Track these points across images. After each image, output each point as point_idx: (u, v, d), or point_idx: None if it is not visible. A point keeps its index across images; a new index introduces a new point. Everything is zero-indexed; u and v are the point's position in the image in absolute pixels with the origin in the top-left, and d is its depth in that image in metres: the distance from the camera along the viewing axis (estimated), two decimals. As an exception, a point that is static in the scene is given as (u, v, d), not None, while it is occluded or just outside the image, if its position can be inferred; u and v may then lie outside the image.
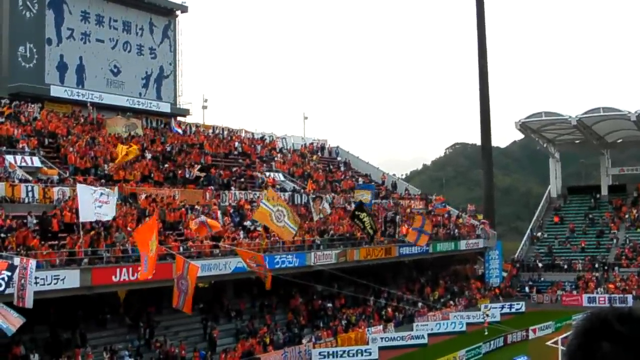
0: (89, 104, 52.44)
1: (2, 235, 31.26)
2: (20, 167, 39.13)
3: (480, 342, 45.29)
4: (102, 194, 32.82)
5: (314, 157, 69.93)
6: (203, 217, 39.56)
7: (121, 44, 57.68)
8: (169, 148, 51.88)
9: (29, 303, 27.01)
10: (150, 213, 39.76)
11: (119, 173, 43.50)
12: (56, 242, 33.51)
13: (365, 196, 55.35)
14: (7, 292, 26.81)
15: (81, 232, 33.09)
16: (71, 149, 43.62)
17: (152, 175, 46.18)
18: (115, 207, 33.90)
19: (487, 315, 52.43)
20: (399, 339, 47.85)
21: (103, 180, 41.48)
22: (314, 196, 53.03)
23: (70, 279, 31.13)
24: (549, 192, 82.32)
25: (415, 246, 54.75)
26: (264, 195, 39.18)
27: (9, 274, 26.41)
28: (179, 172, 48.53)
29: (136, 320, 38.92)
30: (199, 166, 50.54)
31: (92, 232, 34.14)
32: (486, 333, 49.40)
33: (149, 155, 48.77)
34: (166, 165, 48.50)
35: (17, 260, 27.50)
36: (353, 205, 57.02)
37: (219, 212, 44.31)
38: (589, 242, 71.49)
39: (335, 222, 52.72)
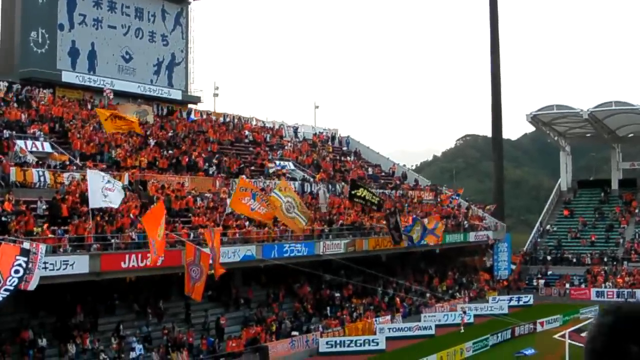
0: (106, 90, 52.16)
1: (3, 219, 31.21)
2: (31, 152, 39.22)
3: (487, 334, 45.27)
4: (108, 181, 32.83)
5: (329, 147, 69.86)
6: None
7: (133, 30, 57.68)
8: (171, 134, 51.82)
9: (32, 286, 27.00)
10: (157, 200, 39.87)
11: (127, 160, 43.53)
12: (65, 227, 33.59)
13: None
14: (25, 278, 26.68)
15: (90, 218, 33.17)
16: (78, 135, 43.62)
17: (158, 162, 46.17)
18: (121, 196, 33.81)
19: (464, 313, 52.13)
20: (406, 329, 47.86)
21: (105, 165, 41.55)
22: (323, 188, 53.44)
23: (80, 264, 31.18)
24: (559, 185, 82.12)
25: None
26: (277, 185, 39.34)
27: (25, 259, 26.37)
28: (184, 159, 48.44)
29: (144, 307, 39.01)
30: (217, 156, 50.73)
31: (97, 217, 34.21)
32: (462, 331, 49.25)
33: (152, 141, 48.84)
34: (171, 152, 48.48)
35: (26, 245, 27.53)
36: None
37: (228, 200, 44.34)
38: (599, 236, 71.32)
39: (343, 211, 52.60)
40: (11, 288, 25.87)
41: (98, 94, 52.61)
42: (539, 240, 74.45)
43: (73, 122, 45.72)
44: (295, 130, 69.49)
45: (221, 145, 55.35)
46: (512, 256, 68.59)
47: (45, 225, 32.31)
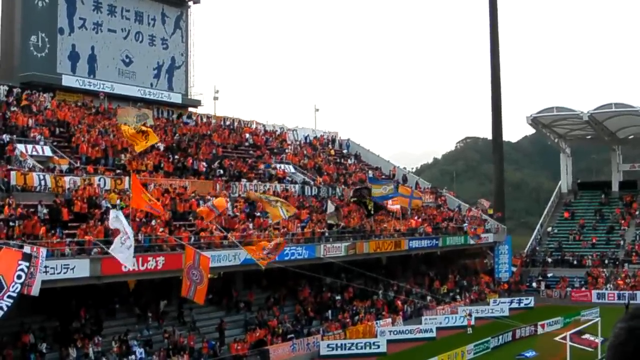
0: (101, 94, 52.49)
1: (11, 223, 31.25)
2: (32, 156, 39.19)
3: (488, 337, 45.25)
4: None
5: (331, 151, 69.91)
6: (210, 202, 40.06)
7: (133, 34, 57.66)
8: (177, 137, 51.88)
9: (35, 291, 26.94)
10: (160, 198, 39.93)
11: (132, 164, 43.54)
12: (67, 231, 33.59)
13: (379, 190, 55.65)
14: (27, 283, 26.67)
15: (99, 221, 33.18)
16: (83, 139, 43.64)
17: (163, 165, 46.23)
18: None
19: (470, 316, 52.02)
20: (407, 332, 47.85)
21: (114, 171, 41.65)
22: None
23: (80, 268, 31.17)
24: (560, 187, 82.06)
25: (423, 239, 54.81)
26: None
27: (27, 264, 26.31)
28: (188, 161, 48.52)
29: (145, 310, 38.99)
30: (218, 161, 50.62)
31: (106, 222, 34.20)
32: (470, 332, 49.26)
33: (160, 146, 48.86)
34: (177, 156, 48.53)
35: (27, 249, 27.50)
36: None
37: (228, 203, 44.35)
38: (599, 238, 71.25)
39: (346, 214, 52.58)
40: (14, 295, 25.79)
41: (98, 98, 52.66)
42: (539, 242, 74.40)
43: (79, 126, 45.74)
44: (306, 136, 69.56)
45: (225, 149, 55.35)
46: (513, 258, 68.53)
47: (43, 229, 32.23)
